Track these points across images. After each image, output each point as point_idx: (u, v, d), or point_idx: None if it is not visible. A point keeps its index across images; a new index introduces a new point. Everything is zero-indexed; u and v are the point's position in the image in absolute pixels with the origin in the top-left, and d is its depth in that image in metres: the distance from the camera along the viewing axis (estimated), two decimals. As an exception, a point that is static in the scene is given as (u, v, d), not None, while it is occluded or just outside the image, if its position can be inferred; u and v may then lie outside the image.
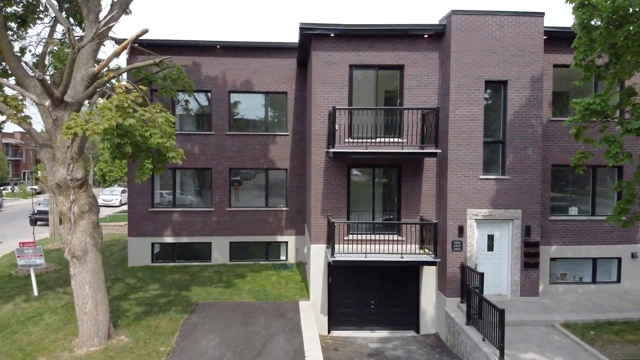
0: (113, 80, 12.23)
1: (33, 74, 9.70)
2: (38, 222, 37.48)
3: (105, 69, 12.78)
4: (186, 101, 19.41)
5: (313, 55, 15.07)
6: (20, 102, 10.57)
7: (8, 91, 12.79)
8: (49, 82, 11.24)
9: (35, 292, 15.87)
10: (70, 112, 10.49)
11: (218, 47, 19.33)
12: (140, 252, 19.76)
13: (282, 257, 20.46)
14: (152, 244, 19.96)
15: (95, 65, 10.96)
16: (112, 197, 49.87)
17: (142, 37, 18.73)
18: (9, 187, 72.58)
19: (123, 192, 52.35)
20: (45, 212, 37.38)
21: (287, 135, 20.04)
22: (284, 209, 20.27)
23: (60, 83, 12.58)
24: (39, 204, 40.50)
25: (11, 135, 79.27)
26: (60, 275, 18.64)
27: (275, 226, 20.30)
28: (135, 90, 9.87)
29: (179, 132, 19.35)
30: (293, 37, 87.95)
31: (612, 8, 8.54)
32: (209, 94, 19.72)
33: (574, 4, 9.51)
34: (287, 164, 20.18)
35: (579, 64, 10.04)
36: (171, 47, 19.12)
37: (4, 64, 13.44)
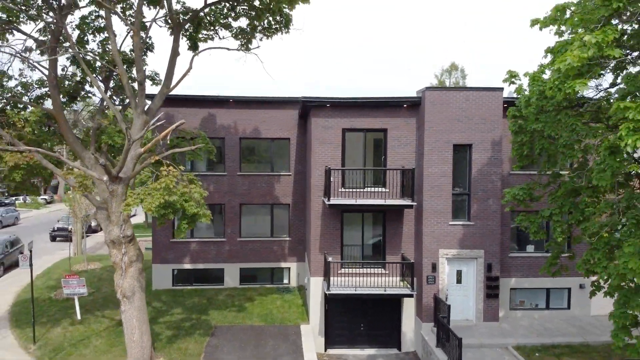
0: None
1: (100, 163, 12.69)
2: (57, 239, 40.55)
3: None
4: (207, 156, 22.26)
5: (312, 120, 18.12)
6: (84, 178, 13.60)
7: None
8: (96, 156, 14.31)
9: (79, 317, 18.87)
10: (123, 185, 13.52)
11: (231, 100, 22.38)
12: (163, 277, 22.78)
13: (285, 281, 23.47)
14: (173, 270, 22.99)
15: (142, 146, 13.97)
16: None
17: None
18: (21, 198, 75.46)
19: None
20: (64, 229, 40.34)
21: (290, 175, 23.07)
22: (287, 239, 23.30)
23: (106, 150, 15.67)
24: (58, 221, 43.31)
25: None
26: (95, 298, 21.62)
27: (279, 254, 23.32)
28: (175, 171, 12.89)
29: (198, 173, 22.34)
30: (293, 89, 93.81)
31: (533, 125, 11.49)
32: (223, 140, 22.74)
33: (509, 115, 12.56)
34: (290, 200, 23.20)
35: (514, 157, 13.01)
36: (191, 100, 22.19)
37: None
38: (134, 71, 16.72)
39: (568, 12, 9.35)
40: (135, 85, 15.52)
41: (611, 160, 7.73)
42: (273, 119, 22.73)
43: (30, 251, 17.43)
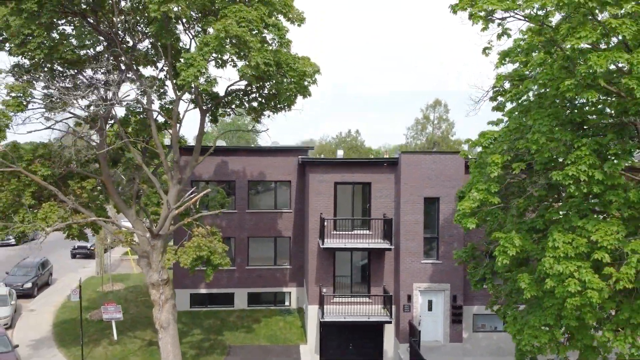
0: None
1: (146, 226, 16.53)
2: (77, 256, 44.28)
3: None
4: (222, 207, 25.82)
5: (310, 176, 21.99)
6: (131, 235, 17.42)
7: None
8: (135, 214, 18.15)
9: (115, 337, 22.67)
10: (162, 240, 17.36)
11: (240, 150, 26.26)
12: (182, 300, 26.56)
13: (287, 303, 27.29)
14: (190, 294, 26.80)
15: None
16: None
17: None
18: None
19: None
20: (84, 247, 44.04)
21: (291, 212, 26.92)
22: (288, 267, 27.13)
23: (143, 204, 19.49)
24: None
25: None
26: (125, 319, 25.34)
27: (282, 280, 27.15)
28: (203, 230, 16.73)
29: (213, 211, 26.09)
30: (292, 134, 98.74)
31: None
32: (234, 183, 26.59)
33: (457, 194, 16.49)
34: (290, 233, 27.04)
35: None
36: (207, 149, 25.93)
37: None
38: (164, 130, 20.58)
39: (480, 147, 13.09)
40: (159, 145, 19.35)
41: (501, 257, 11.40)
42: (276, 164, 26.57)
43: (80, 287, 21.23)
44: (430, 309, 21.64)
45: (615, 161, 9.24)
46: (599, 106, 10.32)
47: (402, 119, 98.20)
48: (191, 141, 26.10)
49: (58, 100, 17.01)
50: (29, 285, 30.87)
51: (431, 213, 21.45)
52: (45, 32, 14.99)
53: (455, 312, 21.36)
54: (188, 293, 26.70)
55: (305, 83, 16.89)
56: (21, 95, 16.42)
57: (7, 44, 16.70)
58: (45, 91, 18.08)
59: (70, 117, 17.89)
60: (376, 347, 22.32)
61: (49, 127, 17.90)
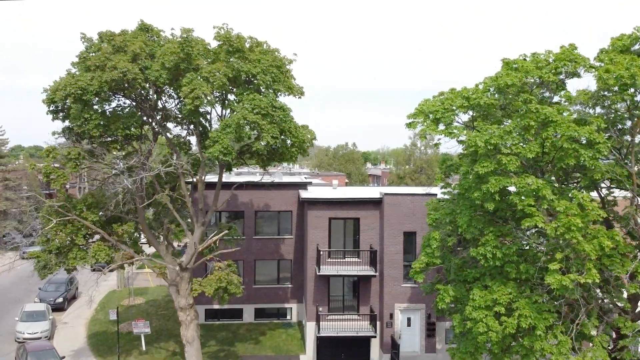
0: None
1: (178, 262, 20.66)
2: (95, 269, 48.31)
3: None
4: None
5: (308, 212, 26.13)
6: (164, 267, 21.57)
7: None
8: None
9: (144, 348, 26.77)
10: (188, 272, 21.48)
11: (249, 185, 30.39)
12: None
13: (288, 317, 31.42)
14: (205, 309, 30.92)
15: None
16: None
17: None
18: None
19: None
20: (101, 261, 48.06)
21: (292, 237, 31.06)
22: (289, 285, 31.27)
23: (170, 238, 23.65)
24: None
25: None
26: (150, 332, 29.44)
27: (284, 297, 31.29)
28: (222, 264, 20.87)
29: (224, 238, 30.22)
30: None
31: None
32: (243, 213, 30.71)
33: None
34: (292, 256, 31.17)
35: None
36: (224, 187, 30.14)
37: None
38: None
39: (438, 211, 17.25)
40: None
41: (440, 303, 15.56)
42: (279, 197, 30.70)
43: (118, 308, 25.35)
44: (409, 325, 25.78)
45: (510, 245, 13.47)
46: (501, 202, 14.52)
47: (401, 115, 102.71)
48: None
49: (100, 156, 21.13)
50: (60, 299, 34.90)
51: (410, 244, 25.58)
52: (100, 116, 19.14)
53: (429, 328, 25.51)
54: (203, 308, 30.79)
55: (305, 147, 21.04)
56: (76, 157, 20.55)
57: (61, 113, 20.89)
58: (89, 146, 22.24)
59: (114, 173, 22.00)
60: (364, 358, 26.45)
61: (95, 180, 22.02)
